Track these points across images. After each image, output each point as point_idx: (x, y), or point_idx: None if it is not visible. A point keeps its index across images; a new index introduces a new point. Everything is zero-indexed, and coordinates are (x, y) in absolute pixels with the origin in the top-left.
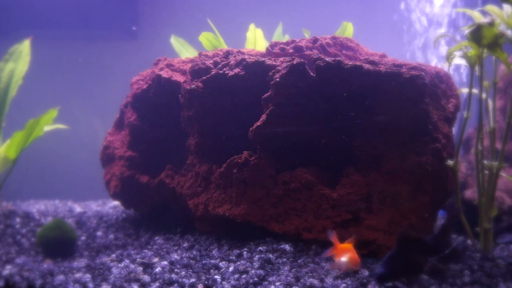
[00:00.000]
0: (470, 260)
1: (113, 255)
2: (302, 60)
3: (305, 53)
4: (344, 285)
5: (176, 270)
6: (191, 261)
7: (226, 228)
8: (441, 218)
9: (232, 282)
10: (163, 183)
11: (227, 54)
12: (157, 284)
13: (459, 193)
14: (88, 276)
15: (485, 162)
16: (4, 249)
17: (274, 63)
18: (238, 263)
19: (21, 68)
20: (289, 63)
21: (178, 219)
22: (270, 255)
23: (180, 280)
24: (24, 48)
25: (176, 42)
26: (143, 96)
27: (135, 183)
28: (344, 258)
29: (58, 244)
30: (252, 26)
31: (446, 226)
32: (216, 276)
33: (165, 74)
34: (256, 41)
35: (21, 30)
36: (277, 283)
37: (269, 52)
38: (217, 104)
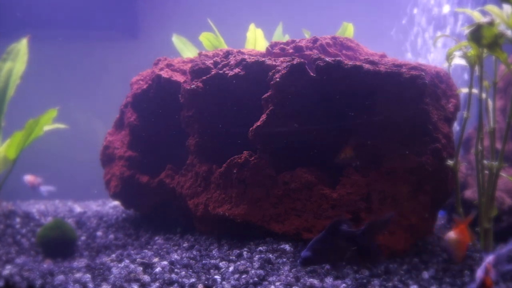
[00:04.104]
0: (470, 260)
1: (113, 255)
2: (302, 60)
3: (305, 53)
4: (344, 285)
5: (176, 270)
6: (191, 261)
7: (226, 228)
8: (441, 218)
9: (232, 282)
10: (163, 183)
11: (227, 54)
12: (157, 284)
13: (459, 193)
14: (88, 276)
15: (485, 162)
16: (4, 249)
17: (274, 63)
18: (238, 263)
19: (19, 67)
20: (289, 63)
21: (178, 219)
22: (270, 255)
23: (180, 280)
24: (22, 47)
25: (178, 41)
26: (143, 96)
27: (135, 183)
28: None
29: (58, 244)
30: (252, 26)
31: (373, 223)
32: (216, 276)
33: (165, 74)
34: (256, 41)
35: (21, 30)
36: (277, 283)
37: (269, 52)
38: (217, 104)
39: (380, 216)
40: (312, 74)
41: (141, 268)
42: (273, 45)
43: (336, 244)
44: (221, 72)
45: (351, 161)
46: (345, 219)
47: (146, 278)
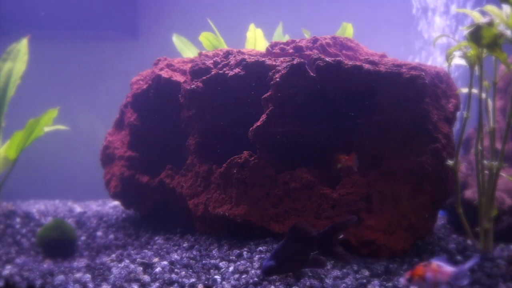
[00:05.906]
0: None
1: (113, 255)
2: (302, 60)
3: (305, 53)
4: (344, 285)
5: (176, 270)
6: (191, 261)
7: (226, 228)
8: (441, 218)
9: (232, 282)
10: (163, 183)
11: (227, 54)
12: (157, 284)
13: (459, 193)
14: (88, 276)
15: (485, 162)
16: (4, 249)
17: (274, 63)
18: (238, 263)
19: (19, 68)
20: (289, 63)
21: (178, 219)
22: None
23: (180, 280)
24: (22, 47)
25: (178, 41)
26: (143, 96)
27: (135, 183)
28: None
29: (58, 244)
30: (252, 26)
31: (334, 226)
32: (216, 276)
33: (165, 74)
34: (256, 41)
35: (21, 30)
36: (277, 283)
37: (269, 52)
38: (217, 104)
39: (343, 220)
40: (312, 74)
41: (141, 268)
42: (273, 45)
43: (298, 249)
44: (221, 72)
45: (344, 170)
46: (303, 224)
47: (146, 278)
